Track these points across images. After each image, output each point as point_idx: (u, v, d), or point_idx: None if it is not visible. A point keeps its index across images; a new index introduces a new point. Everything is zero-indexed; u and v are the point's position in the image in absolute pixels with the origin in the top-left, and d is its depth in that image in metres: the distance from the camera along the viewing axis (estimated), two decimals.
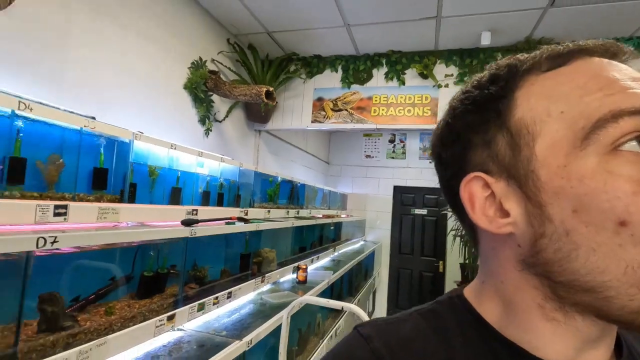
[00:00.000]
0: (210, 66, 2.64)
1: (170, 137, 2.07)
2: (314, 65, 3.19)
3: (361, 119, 3.05)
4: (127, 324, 1.10)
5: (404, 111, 2.95)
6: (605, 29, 2.51)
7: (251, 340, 1.47)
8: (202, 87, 2.41)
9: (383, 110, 2.99)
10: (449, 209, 0.41)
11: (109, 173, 1.38)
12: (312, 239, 3.28)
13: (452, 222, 4.35)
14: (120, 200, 1.38)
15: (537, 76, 0.33)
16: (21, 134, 1.06)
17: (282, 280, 2.55)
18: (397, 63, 2.97)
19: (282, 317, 1.67)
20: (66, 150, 1.22)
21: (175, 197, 1.74)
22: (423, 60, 2.90)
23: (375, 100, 3.02)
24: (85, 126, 1.19)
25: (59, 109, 1.15)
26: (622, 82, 0.29)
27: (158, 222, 1.47)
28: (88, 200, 1.23)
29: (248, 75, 2.99)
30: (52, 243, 0.87)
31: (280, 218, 2.50)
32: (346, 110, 3.09)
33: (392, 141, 5.37)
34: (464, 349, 0.35)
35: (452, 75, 2.88)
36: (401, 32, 2.70)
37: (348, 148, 5.58)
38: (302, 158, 4.59)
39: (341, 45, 2.98)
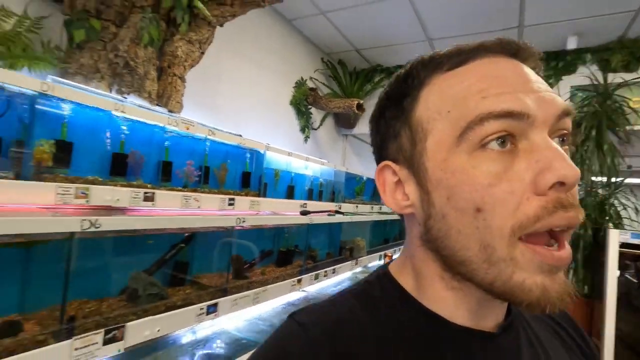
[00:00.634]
0: (309, 83, 3.14)
1: (279, 145, 2.62)
2: None
3: None
4: (274, 281, 1.61)
5: None
6: None
7: None
8: (303, 102, 2.92)
9: None
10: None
11: (251, 175, 1.92)
12: (394, 233, 3.62)
13: None
14: (258, 195, 1.91)
15: (439, 76, 0.35)
16: (207, 152, 1.62)
17: (370, 265, 2.96)
18: None
19: None
20: (231, 160, 1.77)
21: (290, 193, 2.25)
22: None
23: None
24: (240, 143, 1.72)
25: (231, 133, 1.70)
26: (501, 84, 0.32)
27: (284, 212, 1.97)
28: (241, 195, 1.77)
29: (338, 88, 3.44)
30: (242, 222, 1.39)
31: (366, 212, 2.90)
32: None
33: None
34: (390, 323, 0.38)
35: None
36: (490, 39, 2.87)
37: None
38: None
39: None
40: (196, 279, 1.39)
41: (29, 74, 1.22)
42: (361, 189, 3.19)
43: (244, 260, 1.57)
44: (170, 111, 1.58)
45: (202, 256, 1.47)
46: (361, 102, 2.82)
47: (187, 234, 1.35)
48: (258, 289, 1.47)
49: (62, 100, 1.11)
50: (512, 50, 0.35)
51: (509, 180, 0.30)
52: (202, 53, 1.72)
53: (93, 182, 1.17)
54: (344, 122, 3.56)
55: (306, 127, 3.08)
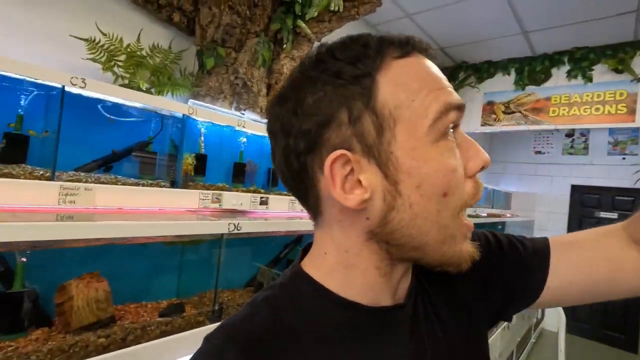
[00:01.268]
0: None
1: None
2: (483, 70, 3.33)
3: (537, 120, 3.04)
4: None
5: (590, 110, 2.80)
6: None
7: None
8: None
9: (564, 110, 2.91)
10: (283, 184, 0.41)
11: None
12: None
13: None
14: None
15: (391, 61, 0.35)
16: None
17: None
18: (582, 60, 2.83)
19: None
20: None
21: None
22: (617, 55, 2.69)
23: (555, 101, 2.96)
24: None
25: None
26: (437, 81, 0.35)
27: None
28: None
29: None
30: None
31: None
32: (519, 112, 3.13)
33: (570, 135, 4.84)
34: (314, 325, 0.37)
35: None
36: (588, 29, 2.60)
37: (513, 144, 5.29)
38: None
39: (515, 49, 3.04)
40: None
41: (171, 98, 1.47)
42: None
43: None
44: None
45: None
46: None
47: (296, 235, 1.49)
48: None
49: (201, 120, 1.33)
50: (423, 47, 0.37)
51: (460, 166, 0.35)
52: None
53: (222, 189, 1.37)
54: None
55: None
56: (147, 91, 1.40)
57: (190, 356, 0.35)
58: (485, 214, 3.72)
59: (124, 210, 1.07)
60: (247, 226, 1.10)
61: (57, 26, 1.32)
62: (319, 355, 0.35)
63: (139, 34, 1.37)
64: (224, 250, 1.34)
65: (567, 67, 2.93)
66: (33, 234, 0.67)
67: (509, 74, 3.21)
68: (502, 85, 3.25)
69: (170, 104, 1.24)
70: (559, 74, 2.96)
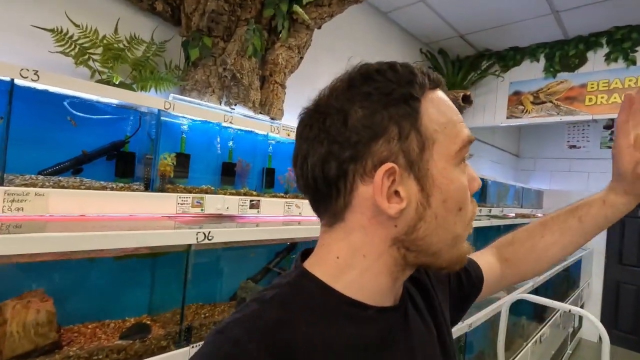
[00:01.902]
0: None
1: None
2: (509, 58, 3.05)
3: (571, 110, 2.74)
4: None
5: None
6: None
7: (471, 324, 1.69)
8: None
9: (602, 98, 2.60)
10: (304, 188, 0.43)
11: None
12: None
13: None
14: None
15: (429, 91, 0.41)
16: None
17: None
18: (623, 40, 2.51)
19: (501, 308, 1.80)
20: None
21: None
22: None
23: (591, 88, 2.65)
24: None
25: None
26: (458, 115, 0.42)
27: None
28: None
29: None
30: None
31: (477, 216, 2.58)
32: (551, 102, 2.83)
33: (609, 127, 4.41)
34: (329, 329, 0.38)
35: None
36: (630, 4, 2.28)
37: (545, 138, 4.91)
38: (489, 152, 4.40)
39: (545, 32, 2.75)
40: None
41: (155, 94, 1.36)
42: None
43: None
44: (272, 118, 1.61)
45: None
46: (468, 93, 2.51)
47: (289, 243, 1.34)
48: None
49: (182, 116, 1.20)
50: (442, 82, 0.43)
51: (469, 187, 0.42)
52: (301, 58, 1.71)
53: (207, 192, 1.23)
54: None
55: None
56: (129, 87, 1.29)
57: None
58: (514, 214, 3.44)
59: (87, 217, 0.95)
60: (221, 235, 0.95)
61: (22, 16, 1.22)
62: (327, 352, 0.37)
63: (117, 24, 1.26)
64: (205, 260, 1.21)
65: (605, 50, 2.61)
66: None
67: (537, 60, 2.92)
68: (530, 73, 2.96)
69: (142, 99, 1.11)
70: (596, 58, 2.65)
